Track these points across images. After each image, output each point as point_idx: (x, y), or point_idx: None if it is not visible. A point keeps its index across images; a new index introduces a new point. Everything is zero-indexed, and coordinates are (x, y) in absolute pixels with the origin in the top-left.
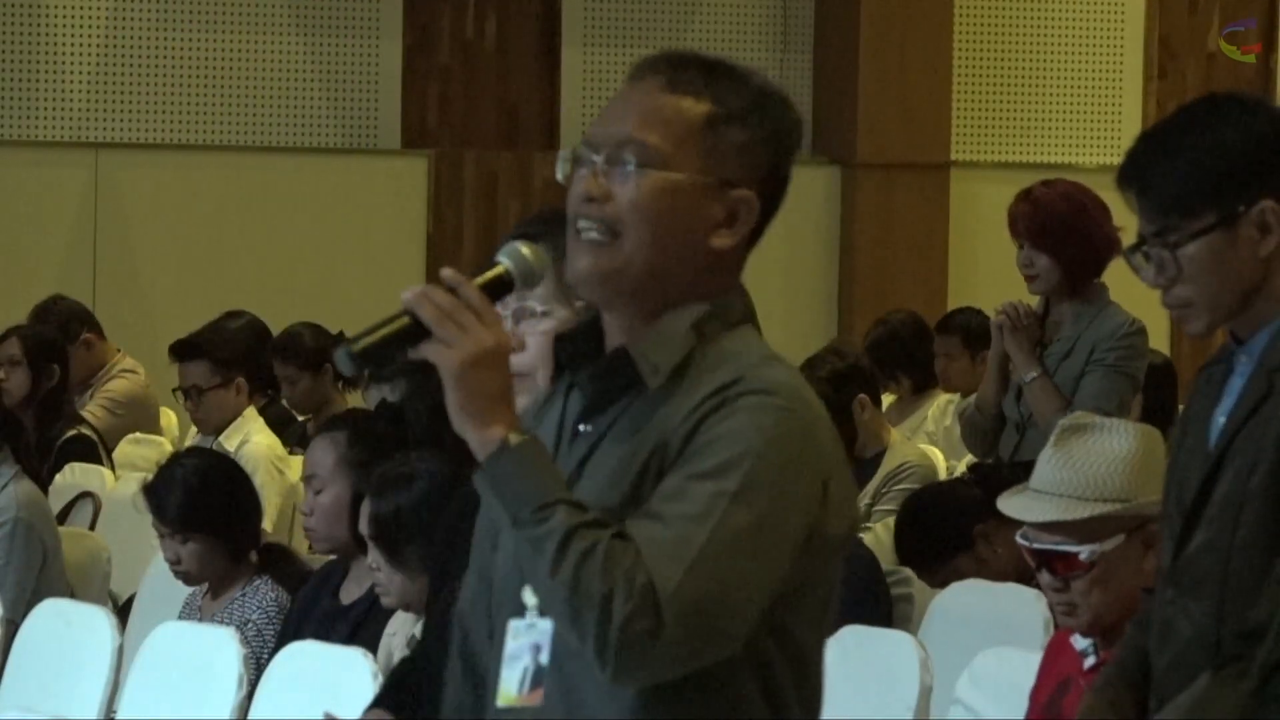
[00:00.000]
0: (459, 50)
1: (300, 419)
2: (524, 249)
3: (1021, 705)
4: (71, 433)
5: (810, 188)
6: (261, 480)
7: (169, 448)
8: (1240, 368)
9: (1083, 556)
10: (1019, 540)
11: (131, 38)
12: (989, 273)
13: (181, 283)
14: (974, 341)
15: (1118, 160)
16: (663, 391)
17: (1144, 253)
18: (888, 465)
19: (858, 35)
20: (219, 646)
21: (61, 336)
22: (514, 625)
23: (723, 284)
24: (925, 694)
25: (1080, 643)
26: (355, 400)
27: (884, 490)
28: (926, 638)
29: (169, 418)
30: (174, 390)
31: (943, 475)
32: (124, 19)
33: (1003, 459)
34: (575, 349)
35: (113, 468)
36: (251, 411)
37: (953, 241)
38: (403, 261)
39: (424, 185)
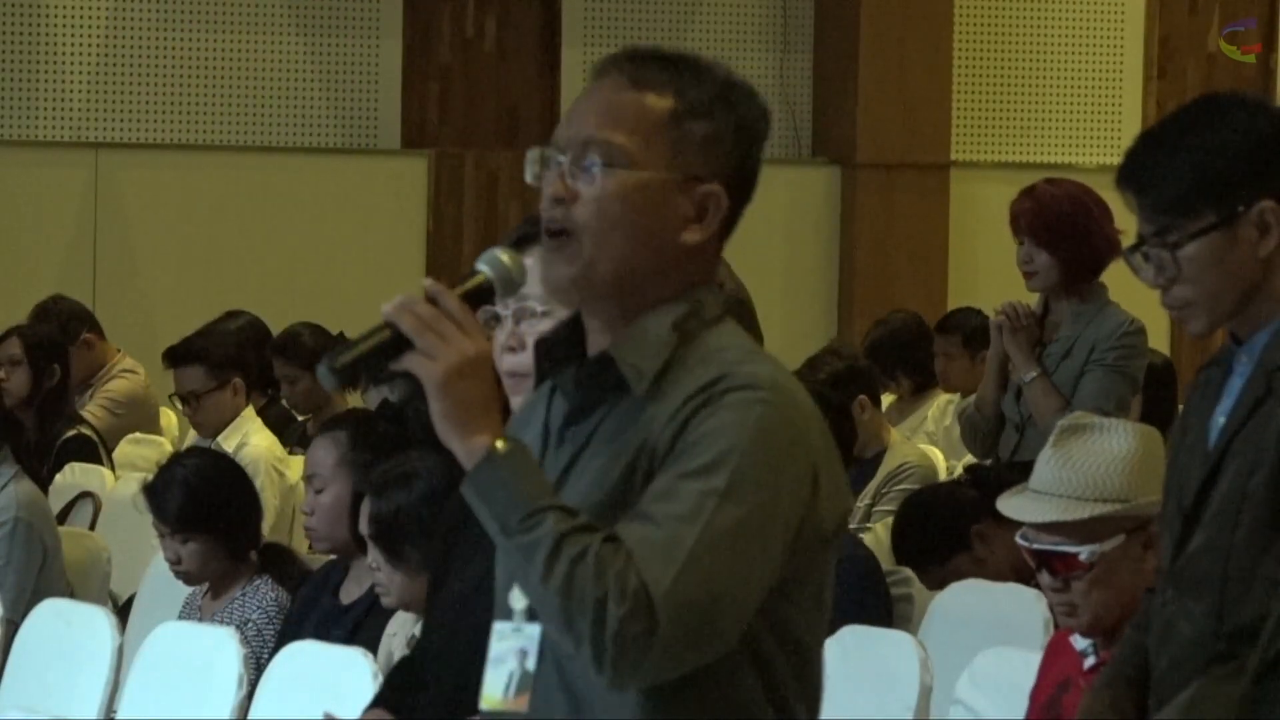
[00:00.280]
0: (459, 50)
1: (300, 419)
2: (503, 256)
3: (1021, 705)
4: (71, 433)
5: (810, 188)
6: (260, 481)
7: (169, 448)
8: (1240, 368)
9: (1082, 557)
10: (1019, 541)
11: (131, 38)
12: (989, 273)
13: (181, 283)
14: (974, 341)
15: (1118, 160)
16: (647, 393)
17: (1143, 253)
18: (888, 465)
19: (858, 35)
20: (219, 646)
21: (62, 336)
22: (499, 628)
23: (698, 279)
24: (925, 694)
25: (1080, 643)
26: (355, 400)
27: (884, 490)
28: (926, 638)
29: (169, 418)
30: (170, 396)
31: (943, 475)
32: (124, 19)
33: (1002, 459)
34: (557, 352)
35: (113, 468)
36: (250, 412)
37: (953, 242)
38: (403, 261)
39: (424, 185)
